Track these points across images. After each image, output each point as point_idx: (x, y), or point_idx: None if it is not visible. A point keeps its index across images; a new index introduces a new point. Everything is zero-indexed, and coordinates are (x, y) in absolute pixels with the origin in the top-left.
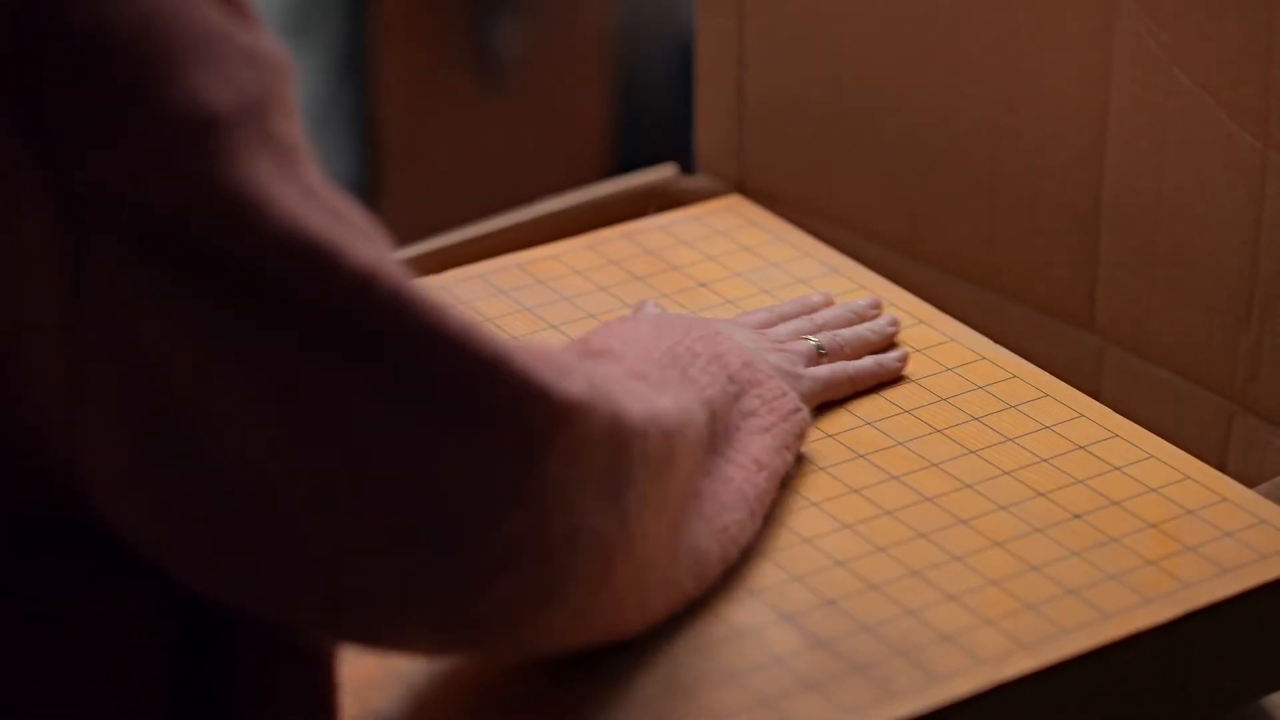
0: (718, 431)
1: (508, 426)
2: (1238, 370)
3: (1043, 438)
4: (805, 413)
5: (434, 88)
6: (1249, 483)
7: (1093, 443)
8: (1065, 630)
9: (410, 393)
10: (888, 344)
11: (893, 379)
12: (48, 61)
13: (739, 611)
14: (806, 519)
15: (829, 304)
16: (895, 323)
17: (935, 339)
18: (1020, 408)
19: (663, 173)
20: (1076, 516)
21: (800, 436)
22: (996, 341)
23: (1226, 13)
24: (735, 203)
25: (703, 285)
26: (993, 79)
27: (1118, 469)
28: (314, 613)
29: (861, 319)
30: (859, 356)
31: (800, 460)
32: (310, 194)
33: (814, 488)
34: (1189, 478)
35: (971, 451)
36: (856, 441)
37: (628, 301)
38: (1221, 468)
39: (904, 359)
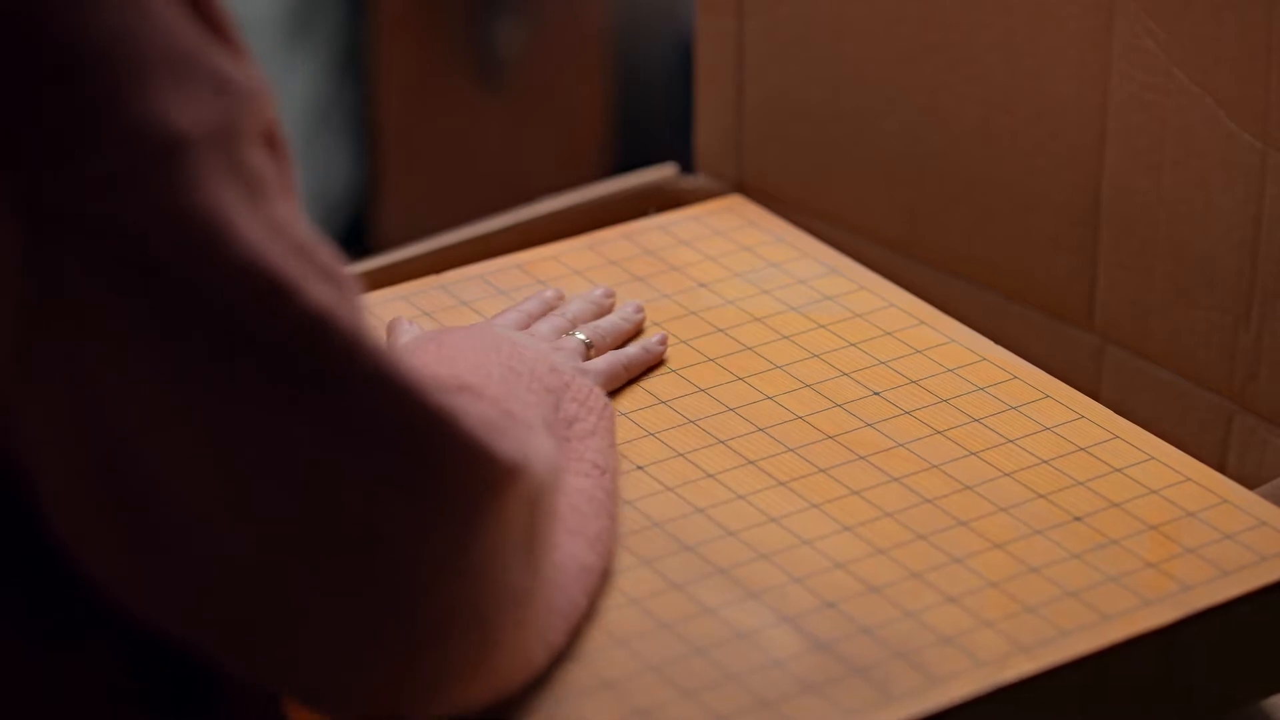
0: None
1: (451, 488)
2: (1237, 370)
3: (1043, 439)
4: (610, 405)
5: (434, 88)
6: (1248, 482)
7: (1093, 444)
8: (1065, 632)
9: (354, 442)
10: (639, 330)
11: (658, 363)
12: (17, 71)
13: (739, 614)
14: (807, 521)
15: (562, 298)
16: (640, 309)
17: (936, 340)
18: (1021, 409)
19: (662, 172)
20: (1077, 518)
21: (614, 430)
22: (996, 341)
23: (1226, 13)
24: (736, 203)
25: (703, 286)
26: (992, 79)
27: (1118, 471)
28: (240, 653)
29: (601, 309)
30: (620, 346)
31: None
32: (276, 228)
33: (814, 489)
34: (1189, 479)
35: (972, 453)
36: (857, 443)
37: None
38: (1221, 467)
39: (664, 341)
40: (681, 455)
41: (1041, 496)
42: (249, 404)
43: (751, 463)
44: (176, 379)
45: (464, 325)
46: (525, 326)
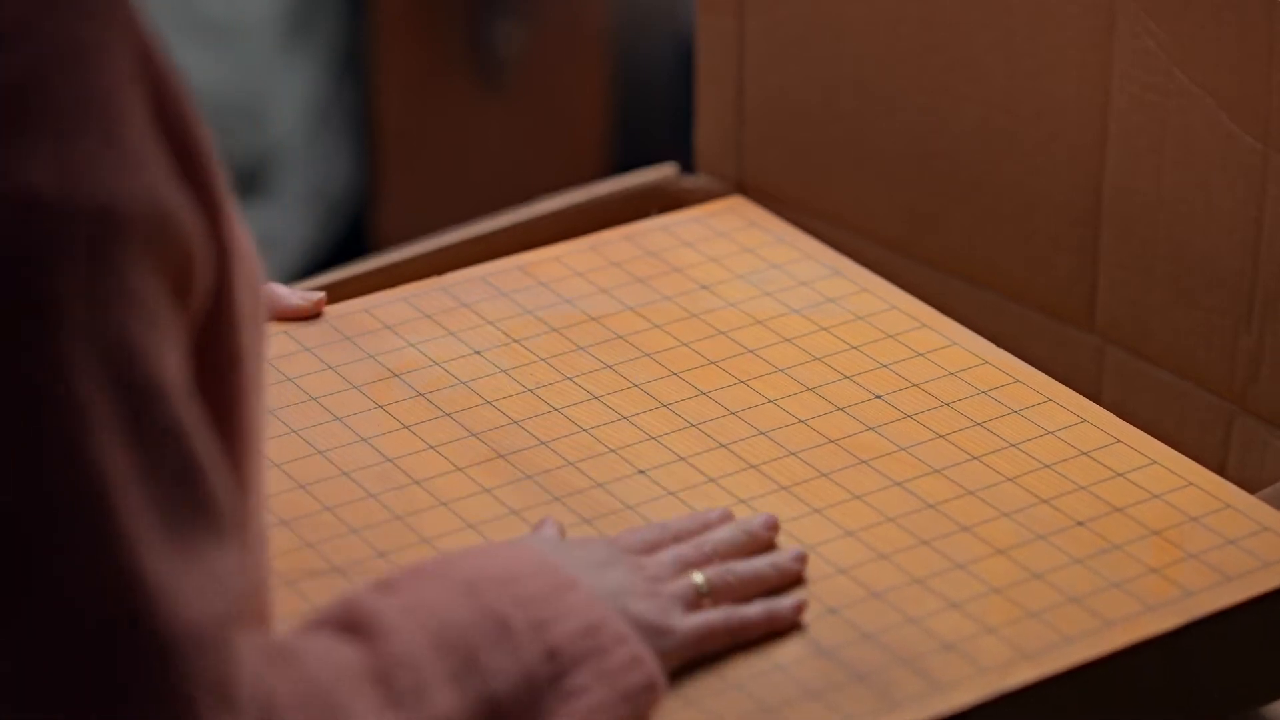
0: None
1: None
2: (1238, 371)
3: (1045, 443)
4: (660, 685)
5: (434, 88)
6: (1248, 484)
7: (1095, 448)
8: (1068, 638)
9: (45, 642)
10: (789, 582)
11: (785, 629)
12: None
13: None
14: (808, 525)
15: (728, 519)
16: (802, 559)
17: (937, 343)
18: (1023, 413)
19: (663, 172)
20: (1079, 523)
21: (646, 709)
22: (996, 342)
23: (1226, 13)
24: (737, 204)
25: (704, 288)
26: (992, 79)
27: (1120, 475)
28: None
29: (755, 540)
30: (749, 597)
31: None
32: (119, 347)
33: (816, 494)
34: (1192, 484)
35: (974, 457)
36: (859, 447)
37: (630, 303)
38: (1221, 469)
39: (799, 609)
40: (684, 459)
41: (1044, 501)
42: None
43: (753, 467)
44: None
45: (565, 542)
46: (659, 546)
